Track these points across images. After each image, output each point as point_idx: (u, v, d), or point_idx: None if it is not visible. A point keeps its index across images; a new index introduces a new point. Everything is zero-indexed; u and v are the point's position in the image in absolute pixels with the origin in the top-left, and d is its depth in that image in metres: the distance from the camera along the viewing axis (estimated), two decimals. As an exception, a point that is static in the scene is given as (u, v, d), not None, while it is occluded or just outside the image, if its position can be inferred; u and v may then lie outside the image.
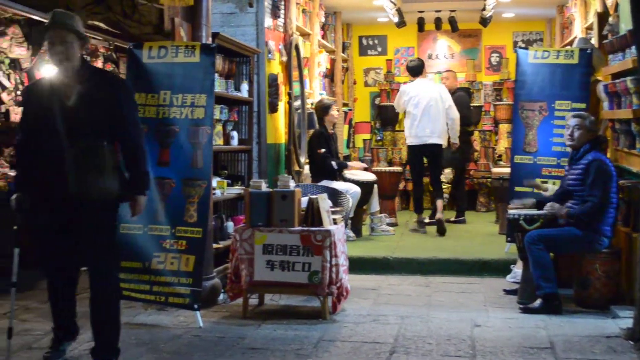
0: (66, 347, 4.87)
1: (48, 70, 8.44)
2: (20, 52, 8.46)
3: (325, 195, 6.15)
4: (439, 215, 9.35)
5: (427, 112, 9.45)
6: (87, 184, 4.43)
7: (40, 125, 4.54)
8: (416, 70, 9.77)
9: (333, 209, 6.25)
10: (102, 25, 9.75)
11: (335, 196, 7.24)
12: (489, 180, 10.90)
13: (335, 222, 6.09)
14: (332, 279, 5.82)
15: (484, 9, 10.93)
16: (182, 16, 6.22)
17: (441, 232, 9.25)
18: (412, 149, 9.73)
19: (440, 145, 9.61)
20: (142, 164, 4.66)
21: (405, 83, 10.94)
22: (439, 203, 9.48)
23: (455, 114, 9.64)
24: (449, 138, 9.67)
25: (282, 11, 8.68)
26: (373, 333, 5.46)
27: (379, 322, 5.78)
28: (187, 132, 5.78)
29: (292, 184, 6.05)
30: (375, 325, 5.69)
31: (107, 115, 4.50)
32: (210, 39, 6.36)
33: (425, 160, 9.74)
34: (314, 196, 6.00)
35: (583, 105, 7.39)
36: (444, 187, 10.12)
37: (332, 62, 11.69)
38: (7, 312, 6.13)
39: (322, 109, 8.84)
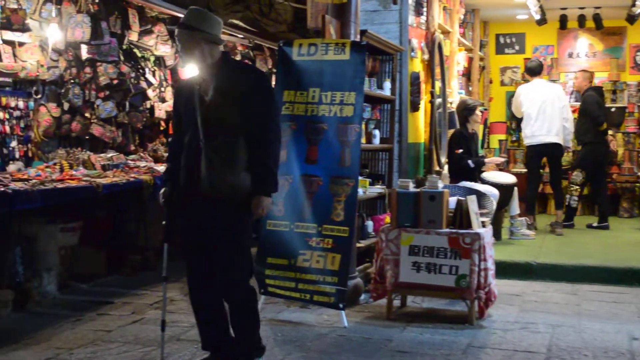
0: None
1: (190, 68, 8.64)
2: (165, 49, 8.69)
3: (474, 197, 5.97)
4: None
5: (543, 111, 9.41)
6: (218, 182, 4.28)
7: (184, 121, 4.45)
8: (534, 70, 9.78)
9: (481, 212, 6.08)
10: (240, 23, 9.93)
11: (478, 198, 7.03)
12: (637, 185, 10.38)
13: (483, 224, 5.91)
14: (480, 283, 5.65)
15: (633, 5, 10.44)
16: (331, 14, 6.19)
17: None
18: (529, 149, 9.68)
19: (559, 144, 9.47)
20: (270, 163, 4.33)
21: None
22: (559, 214, 9.54)
23: (569, 114, 9.52)
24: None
25: (425, 8, 8.53)
26: (524, 341, 5.26)
27: (529, 329, 5.57)
28: (335, 130, 5.73)
29: (440, 185, 5.92)
30: (525, 333, 5.49)
31: (242, 111, 4.28)
32: (358, 36, 6.28)
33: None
34: (462, 198, 5.85)
35: None
36: (572, 188, 9.79)
37: (470, 60, 11.45)
38: (154, 302, 6.30)
39: (467, 110, 8.65)
